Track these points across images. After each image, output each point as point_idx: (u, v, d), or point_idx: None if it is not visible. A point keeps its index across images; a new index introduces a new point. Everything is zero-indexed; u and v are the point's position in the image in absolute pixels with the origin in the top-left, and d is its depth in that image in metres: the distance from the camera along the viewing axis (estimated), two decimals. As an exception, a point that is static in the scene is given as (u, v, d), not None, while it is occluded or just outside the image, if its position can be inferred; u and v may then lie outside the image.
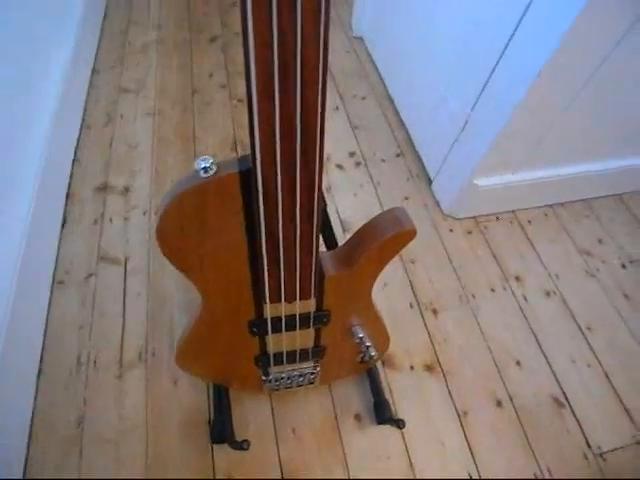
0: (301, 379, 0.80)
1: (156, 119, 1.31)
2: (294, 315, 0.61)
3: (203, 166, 0.42)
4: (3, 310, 0.82)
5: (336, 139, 1.32)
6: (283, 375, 0.78)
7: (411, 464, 0.84)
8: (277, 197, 0.43)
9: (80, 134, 1.25)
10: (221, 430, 0.82)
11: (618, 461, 0.87)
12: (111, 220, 1.09)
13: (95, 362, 0.90)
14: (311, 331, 0.67)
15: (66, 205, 1.11)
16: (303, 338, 0.68)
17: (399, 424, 0.71)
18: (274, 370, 0.76)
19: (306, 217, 0.46)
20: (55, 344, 0.91)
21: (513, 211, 1.21)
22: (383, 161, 1.27)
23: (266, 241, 0.47)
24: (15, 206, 0.93)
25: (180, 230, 0.47)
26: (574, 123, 0.95)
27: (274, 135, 0.37)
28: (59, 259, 1.02)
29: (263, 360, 0.72)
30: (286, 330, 0.64)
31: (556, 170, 1.10)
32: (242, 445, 0.66)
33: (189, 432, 0.83)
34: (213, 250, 0.50)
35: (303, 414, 0.88)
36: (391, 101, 1.42)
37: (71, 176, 1.16)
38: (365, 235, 0.57)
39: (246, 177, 0.42)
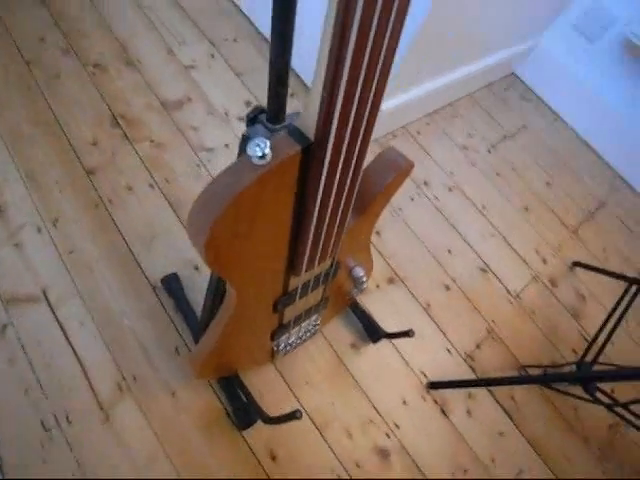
0: (307, 334, 0.84)
1: (-9, 110, 1.00)
2: (318, 276, 0.62)
3: (261, 153, 0.37)
4: None
5: (226, 90, 1.22)
6: (292, 337, 0.80)
7: (406, 362, 0.99)
8: (337, 166, 0.42)
9: None
10: (246, 414, 0.82)
11: (529, 296, 1.16)
12: (-4, 252, 0.86)
13: (67, 418, 0.76)
14: (322, 286, 0.69)
15: None
16: (314, 296, 0.70)
17: (409, 333, 0.82)
18: (285, 336, 0.77)
19: (353, 182, 0.46)
20: (2, 423, 0.74)
21: (404, 126, 1.35)
22: (280, 105, 1.24)
23: (318, 212, 0.47)
24: None
25: (233, 233, 0.43)
26: (447, 41, 1.07)
27: (351, 106, 0.36)
28: (-53, 323, 0.78)
29: (280, 331, 0.72)
30: (310, 292, 0.65)
31: (433, 82, 1.24)
32: (295, 415, 0.67)
33: (212, 433, 0.81)
34: (259, 240, 0.47)
35: (308, 365, 0.92)
36: (266, 42, 1.35)
37: None
38: (368, 183, 0.60)
39: (307, 153, 0.40)
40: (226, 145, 1.13)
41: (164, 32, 1.28)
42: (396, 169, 0.59)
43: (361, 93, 0.35)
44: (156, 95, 1.15)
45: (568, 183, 1.45)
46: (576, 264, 1.27)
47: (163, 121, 1.11)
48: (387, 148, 0.60)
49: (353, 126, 0.38)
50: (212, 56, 1.27)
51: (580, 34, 1.48)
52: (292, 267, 0.55)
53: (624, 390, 1.07)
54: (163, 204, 1.00)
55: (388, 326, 1.00)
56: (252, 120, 0.47)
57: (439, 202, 1.25)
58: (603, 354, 0.99)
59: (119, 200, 0.98)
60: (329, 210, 0.47)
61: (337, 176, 0.43)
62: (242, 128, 1.17)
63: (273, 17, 0.36)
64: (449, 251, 1.17)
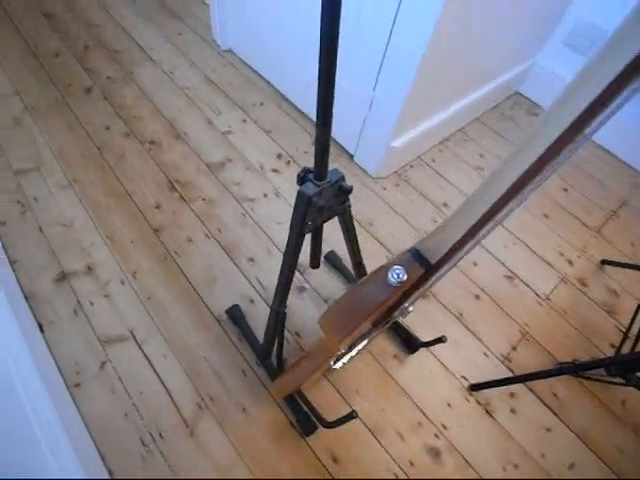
0: (360, 352, 0.95)
1: (76, 189, 1.23)
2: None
3: (399, 280, 0.50)
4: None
5: (259, 147, 1.42)
6: (349, 357, 0.91)
7: (446, 368, 1.07)
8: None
9: (-4, 235, 1.12)
10: (308, 423, 0.93)
11: (560, 297, 1.23)
12: (92, 303, 1.05)
13: (161, 434, 0.91)
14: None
15: (32, 309, 1.02)
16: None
17: (442, 339, 0.91)
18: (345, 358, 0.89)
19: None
20: (110, 442, 0.89)
21: (419, 157, 1.49)
22: (306, 153, 1.42)
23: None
24: None
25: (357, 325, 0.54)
26: (450, 75, 1.22)
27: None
28: (61, 364, 0.96)
29: (342, 355, 0.84)
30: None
31: (441, 114, 1.39)
32: (352, 415, 0.77)
33: (280, 441, 0.93)
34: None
35: (357, 377, 1.03)
36: (287, 101, 1.56)
37: (18, 279, 1.05)
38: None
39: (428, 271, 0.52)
40: (265, 195, 1.31)
41: (202, 106, 1.51)
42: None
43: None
44: (202, 160, 1.36)
45: (586, 186, 1.52)
46: (604, 262, 1.32)
47: (210, 181, 1.32)
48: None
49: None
50: (244, 120, 1.48)
51: (572, 49, 1.60)
52: (375, 324, 0.68)
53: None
54: (218, 250, 1.18)
55: (426, 337, 1.10)
56: (302, 179, 0.61)
57: (460, 219, 1.35)
58: None
59: (182, 251, 1.16)
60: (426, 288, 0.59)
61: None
62: (276, 178, 1.35)
63: (318, 107, 0.49)
64: (474, 264, 1.27)
